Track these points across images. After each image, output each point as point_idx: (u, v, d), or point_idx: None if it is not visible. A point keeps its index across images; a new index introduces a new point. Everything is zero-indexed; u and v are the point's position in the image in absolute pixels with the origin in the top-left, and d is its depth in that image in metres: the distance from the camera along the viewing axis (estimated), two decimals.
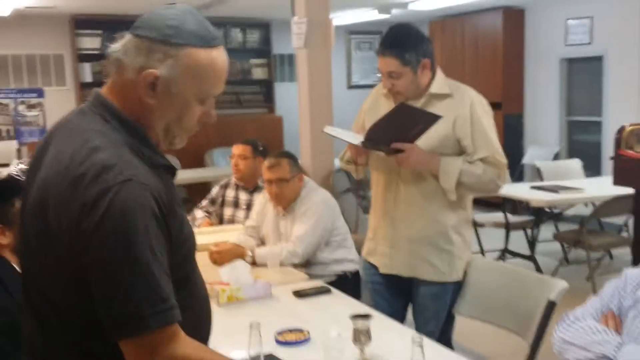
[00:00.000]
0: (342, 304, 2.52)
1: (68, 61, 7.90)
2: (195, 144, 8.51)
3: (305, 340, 2.12)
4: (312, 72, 5.02)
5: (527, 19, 7.90)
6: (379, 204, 2.61)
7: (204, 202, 4.11)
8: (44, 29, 7.73)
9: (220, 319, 2.36)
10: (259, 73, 8.80)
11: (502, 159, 2.44)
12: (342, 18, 8.35)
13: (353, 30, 9.35)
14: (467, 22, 8.28)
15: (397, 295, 2.65)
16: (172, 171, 1.34)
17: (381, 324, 2.26)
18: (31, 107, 7.82)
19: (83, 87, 7.87)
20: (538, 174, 6.05)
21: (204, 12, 7.66)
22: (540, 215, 5.46)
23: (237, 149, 3.92)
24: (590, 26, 7.07)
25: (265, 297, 2.58)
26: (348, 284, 3.13)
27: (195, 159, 8.09)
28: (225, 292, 2.51)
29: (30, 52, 7.74)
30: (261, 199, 3.43)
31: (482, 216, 5.82)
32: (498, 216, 5.52)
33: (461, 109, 2.40)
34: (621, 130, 3.22)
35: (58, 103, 7.84)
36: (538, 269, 5.11)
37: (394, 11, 7.89)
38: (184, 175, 6.88)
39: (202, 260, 3.07)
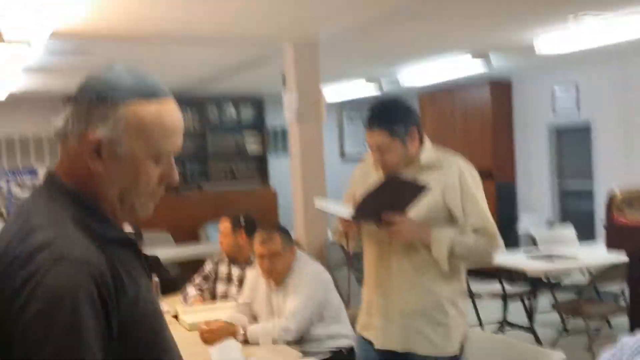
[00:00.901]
0: None
1: None
2: (189, 218, 8.56)
3: None
4: (304, 145, 5.08)
5: (515, 89, 8.07)
6: (371, 276, 2.58)
7: (197, 279, 4.06)
8: (38, 110, 7.84)
9: None
10: (252, 148, 8.89)
11: (494, 228, 2.43)
12: (334, 92, 8.51)
13: (344, 102, 9.53)
14: (455, 95, 8.44)
15: None
16: (128, 244, 1.22)
17: None
18: (25, 187, 7.84)
19: None
20: (533, 242, 6.04)
21: (199, 89, 7.83)
22: (537, 284, 5.40)
23: (220, 224, 3.93)
24: (577, 94, 7.21)
25: None
26: None
27: (189, 234, 8.05)
28: None
29: (23, 134, 7.83)
30: (252, 274, 3.39)
31: (479, 287, 5.75)
32: (495, 287, 5.46)
33: (450, 179, 2.41)
34: (612, 197, 3.24)
35: None
36: (537, 340, 5.02)
37: (385, 87, 8.05)
38: (177, 252, 6.84)
39: (193, 339, 3.03)
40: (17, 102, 7.51)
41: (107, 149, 1.17)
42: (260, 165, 8.94)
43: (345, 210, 2.39)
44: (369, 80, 7.87)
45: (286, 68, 5.21)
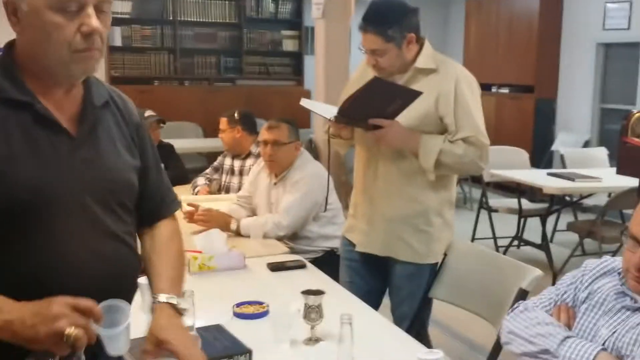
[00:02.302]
0: (315, 280, 2.47)
1: None
2: (220, 112, 8.54)
3: (262, 314, 2.09)
4: (329, 43, 4.95)
5: (565, 1, 7.62)
6: (359, 180, 2.55)
7: (208, 170, 4.13)
8: None
9: (189, 286, 2.36)
10: (289, 45, 8.72)
11: (485, 139, 2.35)
12: None
13: None
14: (503, 2, 8.03)
15: (374, 274, 2.59)
16: (23, 105, 1.25)
17: (342, 302, 2.21)
18: None
19: (112, 51, 7.93)
20: (562, 161, 5.87)
21: None
22: (555, 203, 5.29)
23: (220, 123, 3.96)
24: (629, 11, 6.78)
25: (238, 268, 2.55)
26: (334, 261, 3.09)
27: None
28: (196, 259, 2.49)
29: None
30: (255, 168, 3.40)
31: (497, 201, 5.68)
32: (513, 202, 5.37)
33: (445, 85, 2.31)
34: (628, 116, 3.07)
35: None
36: (549, 258, 4.97)
37: None
38: (204, 145, 6.90)
39: (189, 228, 3.08)
40: None
41: (15, 9, 1.23)
42: (296, 64, 8.79)
43: (330, 111, 2.32)
44: None
45: None
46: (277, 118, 3.43)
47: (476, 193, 6.47)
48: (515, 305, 1.74)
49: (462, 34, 8.84)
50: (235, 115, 3.92)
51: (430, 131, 2.33)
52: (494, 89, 7.95)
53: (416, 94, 2.22)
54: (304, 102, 2.49)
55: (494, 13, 8.18)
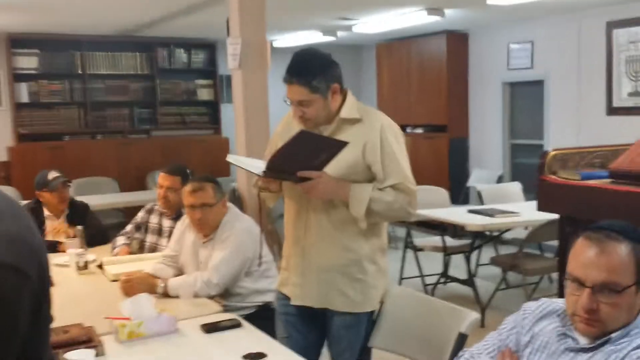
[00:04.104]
0: (252, 339, 2.38)
1: (4, 81, 7.64)
2: (137, 165, 8.36)
3: None
4: (247, 93, 4.92)
5: (471, 43, 7.98)
6: (290, 232, 2.51)
7: (129, 227, 3.95)
8: None
9: (120, 356, 2.23)
10: (204, 94, 8.66)
11: (413, 186, 2.37)
12: (285, 40, 8.30)
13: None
14: (413, 46, 8.31)
15: (312, 327, 2.53)
16: None
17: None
18: None
19: (19, 108, 7.63)
20: (479, 197, 6.05)
21: (146, 32, 7.54)
22: (477, 239, 5.43)
23: (165, 180, 3.72)
24: (532, 50, 7.16)
25: (170, 332, 2.43)
26: (269, 315, 3.01)
27: (137, 181, 7.90)
28: (125, 327, 2.36)
29: None
30: (179, 226, 3.29)
31: (422, 240, 5.77)
32: (437, 240, 5.47)
33: (371, 134, 2.33)
34: (544, 155, 3.19)
35: None
36: (476, 293, 5.06)
37: (340, 34, 7.88)
38: (122, 199, 6.69)
39: (114, 291, 2.93)
40: None
41: None
42: (212, 112, 8.74)
43: (258, 165, 2.29)
44: (323, 31, 7.70)
45: (231, 13, 5.01)
46: (197, 177, 3.29)
47: (400, 232, 6.55)
48: (460, 354, 1.73)
49: (374, 77, 9.07)
50: (188, 174, 3.74)
51: (359, 180, 2.33)
52: (408, 130, 8.16)
53: (342, 145, 2.22)
54: (230, 158, 2.45)
55: (405, 56, 8.45)
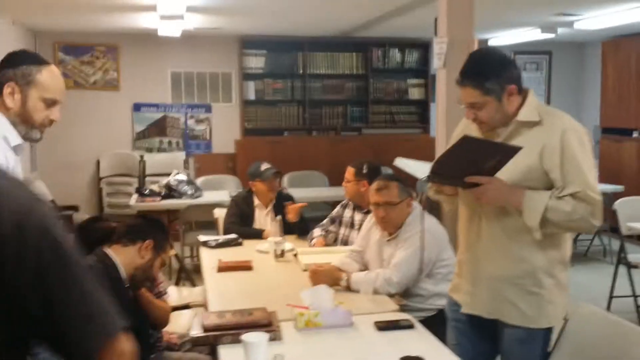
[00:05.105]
0: (421, 342, 2.39)
1: (235, 79, 8.38)
2: (347, 161, 8.60)
3: None
4: (450, 92, 4.87)
5: None
6: (463, 237, 2.45)
7: (325, 220, 4.15)
8: (214, 48, 8.28)
9: (294, 344, 2.37)
10: (415, 93, 8.74)
11: (596, 195, 2.16)
12: (503, 38, 8.04)
13: (518, 50, 8.94)
14: None
15: (482, 337, 2.45)
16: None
17: None
18: (199, 121, 8.41)
19: (246, 104, 8.33)
20: None
21: (362, 32, 7.79)
22: None
23: (346, 172, 3.97)
24: None
25: (344, 325, 2.52)
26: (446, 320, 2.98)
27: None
28: (303, 316, 2.49)
29: (201, 70, 8.33)
30: (367, 223, 3.39)
31: (638, 256, 5.24)
32: None
33: (551, 138, 2.18)
34: None
35: (223, 118, 8.36)
36: None
37: (560, 30, 7.44)
38: (329, 193, 6.99)
39: (303, 279, 3.11)
40: (193, 39, 7.95)
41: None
42: (422, 112, 8.78)
43: (424, 170, 2.27)
44: (541, 27, 7.33)
45: (440, 12, 5.00)
46: (384, 175, 3.40)
47: (615, 244, 6.03)
48: None
49: (598, 77, 8.41)
50: (364, 169, 3.93)
51: (536, 187, 2.20)
52: (635, 134, 7.44)
53: (514, 150, 2.11)
54: (398, 162, 2.46)
55: (634, 54, 7.72)
